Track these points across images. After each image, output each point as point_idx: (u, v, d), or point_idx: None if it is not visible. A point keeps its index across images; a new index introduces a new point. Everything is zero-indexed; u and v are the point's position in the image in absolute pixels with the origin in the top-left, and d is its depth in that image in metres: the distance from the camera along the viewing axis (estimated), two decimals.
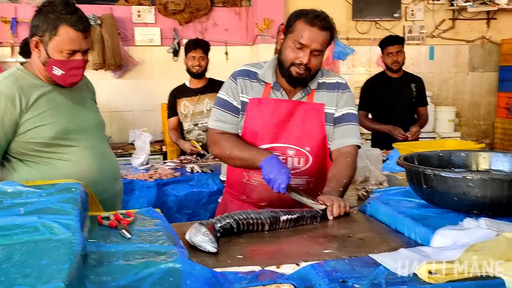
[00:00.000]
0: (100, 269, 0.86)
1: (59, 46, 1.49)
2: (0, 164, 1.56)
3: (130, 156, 3.23)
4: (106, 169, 1.64)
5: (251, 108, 1.65)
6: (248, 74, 1.69)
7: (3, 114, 1.45)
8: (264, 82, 1.66)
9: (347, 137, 1.69)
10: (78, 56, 1.53)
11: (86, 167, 1.57)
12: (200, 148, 3.12)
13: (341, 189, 1.56)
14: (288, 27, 1.59)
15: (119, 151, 3.96)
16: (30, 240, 0.87)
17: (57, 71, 1.51)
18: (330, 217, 1.42)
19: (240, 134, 1.68)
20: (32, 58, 1.57)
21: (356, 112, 1.74)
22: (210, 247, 1.11)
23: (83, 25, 1.50)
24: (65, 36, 1.48)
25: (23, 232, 0.90)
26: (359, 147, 1.73)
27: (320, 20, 1.53)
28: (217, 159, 3.08)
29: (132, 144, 3.92)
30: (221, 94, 1.71)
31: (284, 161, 1.65)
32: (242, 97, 1.67)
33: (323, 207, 1.44)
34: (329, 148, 1.71)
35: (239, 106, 1.67)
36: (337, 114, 1.69)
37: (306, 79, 1.60)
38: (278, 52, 1.65)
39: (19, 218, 0.95)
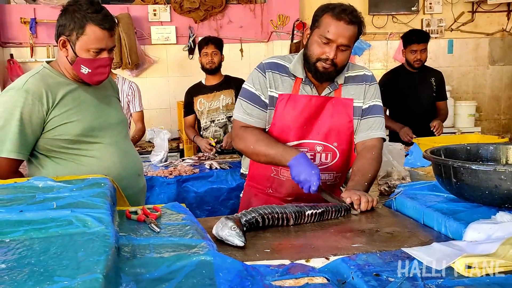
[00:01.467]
0: (134, 262, 0.87)
1: (86, 45, 1.51)
2: (28, 161, 1.59)
3: (148, 154, 3.27)
4: (129, 165, 1.66)
5: (280, 104, 1.62)
6: (277, 68, 1.64)
7: (31, 112, 1.47)
8: (295, 76, 1.64)
9: (372, 129, 1.67)
10: (105, 54, 1.55)
11: (111, 163, 1.59)
12: (214, 145, 3.11)
13: (366, 183, 1.55)
14: (314, 22, 1.57)
15: (137, 148, 3.97)
16: (65, 233, 0.88)
17: (85, 70, 1.54)
18: (357, 212, 1.41)
19: (267, 129, 1.66)
20: (58, 56, 1.60)
21: (381, 105, 1.72)
22: (238, 241, 1.11)
23: (109, 23, 1.52)
24: (92, 35, 1.50)
25: (58, 226, 0.91)
26: (384, 139, 1.71)
27: (347, 14, 1.50)
28: (235, 156, 3.09)
29: (150, 141, 3.97)
30: (249, 86, 1.65)
31: (312, 157, 1.64)
32: (271, 91, 1.62)
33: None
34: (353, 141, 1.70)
35: (267, 101, 1.62)
36: (364, 106, 1.68)
37: (332, 74, 1.58)
38: (304, 46, 1.63)
39: (52, 212, 0.96)
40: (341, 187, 1.80)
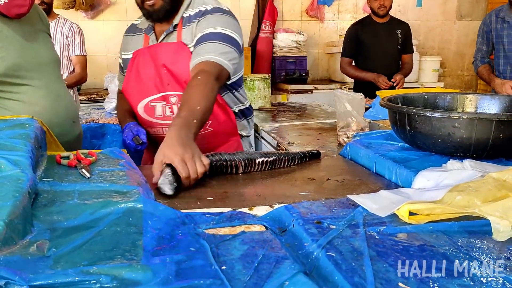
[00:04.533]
0: (51, 209, 0.78)
1: None
2: None
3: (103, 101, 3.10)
4: (62, 110, 1.50)
5: (131, 62, 1.59)
6: (131, 29, 1.67)
7: None
8: (142, 30, 1.61)
9: (201, 55, 1.40)
10: None
11: (40, 108, 1.43)
12: None
13: (195, 120, 1.19)
14: None
15: (93, 96, 3.80)
16: None
17: (0, 0, 1.34)
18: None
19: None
20: None
21: (222, 31, 1.45)
22: (168, 189, 1.02)
23: None
24: None
25: None
26: (221, 66, 1.41)
27: None
28: None
29: (107, 89, 3.77)
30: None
31: (170, 109, 1.55)
32: (124, 54, 1.66)
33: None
34: None
35: (123, 65, 1.68)
36: (193, 44, 1.48)
37: (164, 8, 1.48)
38: None
39: None
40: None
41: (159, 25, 1.57)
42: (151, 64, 1.53)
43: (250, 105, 1.77)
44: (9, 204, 0.68)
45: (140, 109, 1.59)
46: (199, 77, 1.32)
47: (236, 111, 1.67)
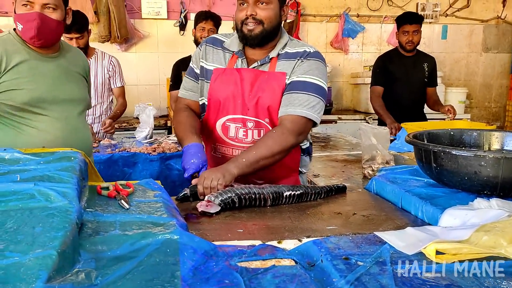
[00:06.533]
0: (96, 239, 0.84)
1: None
2: None
3: (134, 130, 3.22)
4: (75, 143, 1.59)
5: (214, 78, 1.60)
6: (213, 42, 1.67)
7: None
8: (229, 50, 1.62)
9: (292, 105, 1.50)
10: (35, 9, 1.50)
11: (53, 137, 1.58)
12: None
13: (244, 160, 1.41)
14: None
15: (124, 125, 3.94)
16: (25, 207, 0.84)
17: (19, 26, 1.52)
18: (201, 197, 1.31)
19: (202, 102, 1.66)
20: None
21: (320, 84, 1.54)
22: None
23: None
24: None
25: (18, 199, 0.87)
26: (314, 123, 1.55)
27: None
28: None
29: (137, 118, 3.91)
30: (191, 62, 1.72)
31: (244, 133, 1.59)
32: (202, 62, 1.65)
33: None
34: None
35: (198, 71, 1.67)
36: (287, 81, 1.54)
37: (263, 33, 1.51)
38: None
39: (15, 185, 0.92)
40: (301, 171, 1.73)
41: (251, 51, 1.59)
42: (237, 86, 1.56)
43: (311, 142, 1.78)
44: (61, 235, 0.74)
45: (218, 126, 1.62)
46: (273, 131, 1.49)
47: (303, 147, 1.70)
